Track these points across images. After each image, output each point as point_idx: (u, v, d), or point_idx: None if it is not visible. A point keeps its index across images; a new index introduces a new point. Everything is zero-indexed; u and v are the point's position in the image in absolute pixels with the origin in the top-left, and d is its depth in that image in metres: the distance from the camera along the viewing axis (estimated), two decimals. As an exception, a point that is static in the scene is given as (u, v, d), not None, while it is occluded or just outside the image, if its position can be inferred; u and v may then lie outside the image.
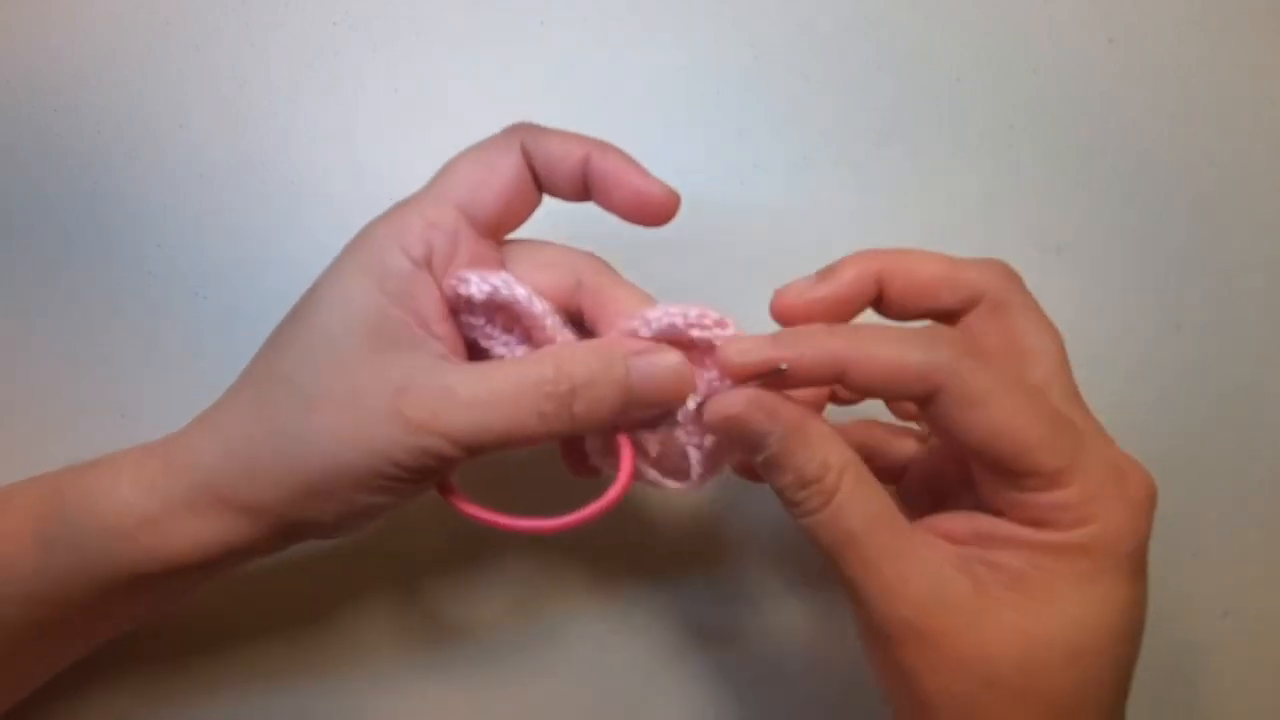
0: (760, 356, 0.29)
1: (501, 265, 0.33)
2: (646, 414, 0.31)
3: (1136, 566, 0.29)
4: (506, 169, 0.32)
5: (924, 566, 0.29)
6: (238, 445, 0.31)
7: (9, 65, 0.43)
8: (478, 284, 0.31)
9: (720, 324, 0.31)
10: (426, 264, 0.31)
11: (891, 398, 0.34)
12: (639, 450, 0.32)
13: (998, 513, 0.29)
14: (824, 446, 0.29)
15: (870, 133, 0.42)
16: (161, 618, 0.37)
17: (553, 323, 0.31)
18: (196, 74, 0.43)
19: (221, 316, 0.42)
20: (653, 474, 0.32)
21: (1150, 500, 0.29)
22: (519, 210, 0.33)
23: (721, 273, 0.41)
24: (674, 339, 0.31)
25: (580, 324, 0.33)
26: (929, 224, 0.42)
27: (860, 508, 0.29)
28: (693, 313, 0.31)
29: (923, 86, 0.42)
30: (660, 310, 0.31)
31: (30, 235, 0.42)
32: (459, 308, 0.32)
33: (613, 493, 0.31)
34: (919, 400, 0.29)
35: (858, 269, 0.31)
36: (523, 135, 0.32)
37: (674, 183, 0.40)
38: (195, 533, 0.31)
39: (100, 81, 0.43)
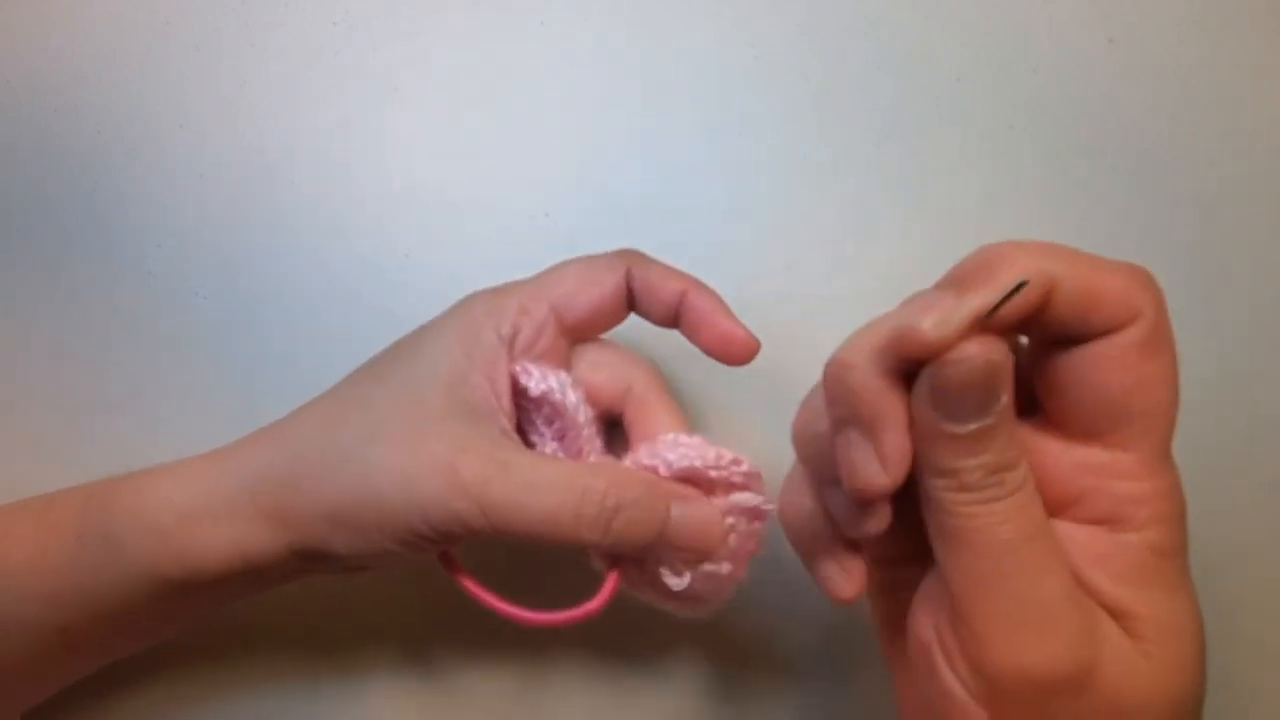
0: (966, 312, 0.24)
1: (567, 364, 0.35)
2: (672, 555, 0.33)
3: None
4: (609, 285, 0.35)
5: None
6: (293, 451, 0.33)
7: (9, 65, 0.43)
8: (537, 380, 0.33)
9: (736, 462, 0.33)
10: (510, 344, 0.34)
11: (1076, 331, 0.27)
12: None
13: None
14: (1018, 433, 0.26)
15: (870, 133, 0.42)
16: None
17: (588, 434, 0.34)
18: (196, 74, 0.43)
19: (221, 316, 0.42)
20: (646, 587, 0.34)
21: None
22: (605, 322, 0.36)
23: (721, 272, 0.41)
24: (691, 477, 0.33)
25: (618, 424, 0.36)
26: (929, 224, 0.42)
27: (1038, 510, 0.26)
28: (710, 455, 0.33)
29: (923, 86, 0.42)
30: (680, 452, 0.33)
31: (30, 235, 0.42)
32: (516, 393, 0.34)
33: (597, 601, 0.32)
34: (1093, 334, 0.25)
35: (1022, 270, 0.25)
36: (630, 260, 0.35)
37: (674, 182, 0.40)
38: (222, 536, 0.32)
39: (100, 81, 0.43)
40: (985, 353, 0.24)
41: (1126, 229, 0.42)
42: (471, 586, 0.33)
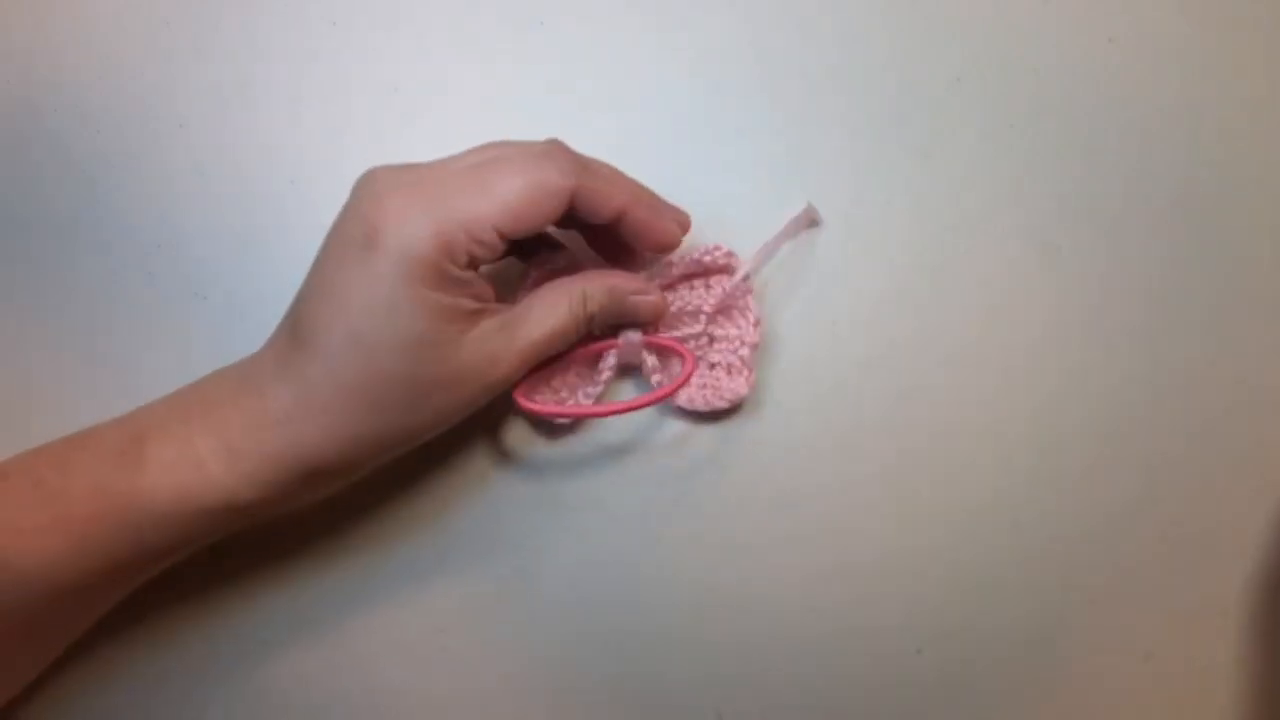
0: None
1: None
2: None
3: None
4: (558, 202, 0.34)
5: None
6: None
7: (9, 65, 0.43)
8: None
9: (715, 249, 0.39)
10: (465, 270, 0.34)
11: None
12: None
13: None
14: None
15: (870, 132, 0.42)
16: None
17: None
18: (196, 74, 0.43)
19: (221, 316, 0.42)
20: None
21: None
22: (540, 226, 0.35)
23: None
24: (691, 273, 0.40)
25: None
26: (929, 224, 0.42)
27: None
28: (697, 250, 0.39)
29: (923, 86, 0.42)
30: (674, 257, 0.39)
31: (30, 235, 0.42)
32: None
33: (677, 381, 0.37)
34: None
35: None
36: (579, 172, 0.34)
37: (674, 182, 0.40)
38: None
39: (100, 81, 0.43)
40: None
41: (1126, 229, 0.42)
42: (536, 407, 0.37)
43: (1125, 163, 0.42)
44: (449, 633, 0.40)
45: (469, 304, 0.34)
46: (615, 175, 0.37)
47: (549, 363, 0.38)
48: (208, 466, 0.33)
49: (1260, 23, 0.43)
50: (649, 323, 0.39)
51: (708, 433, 0.40)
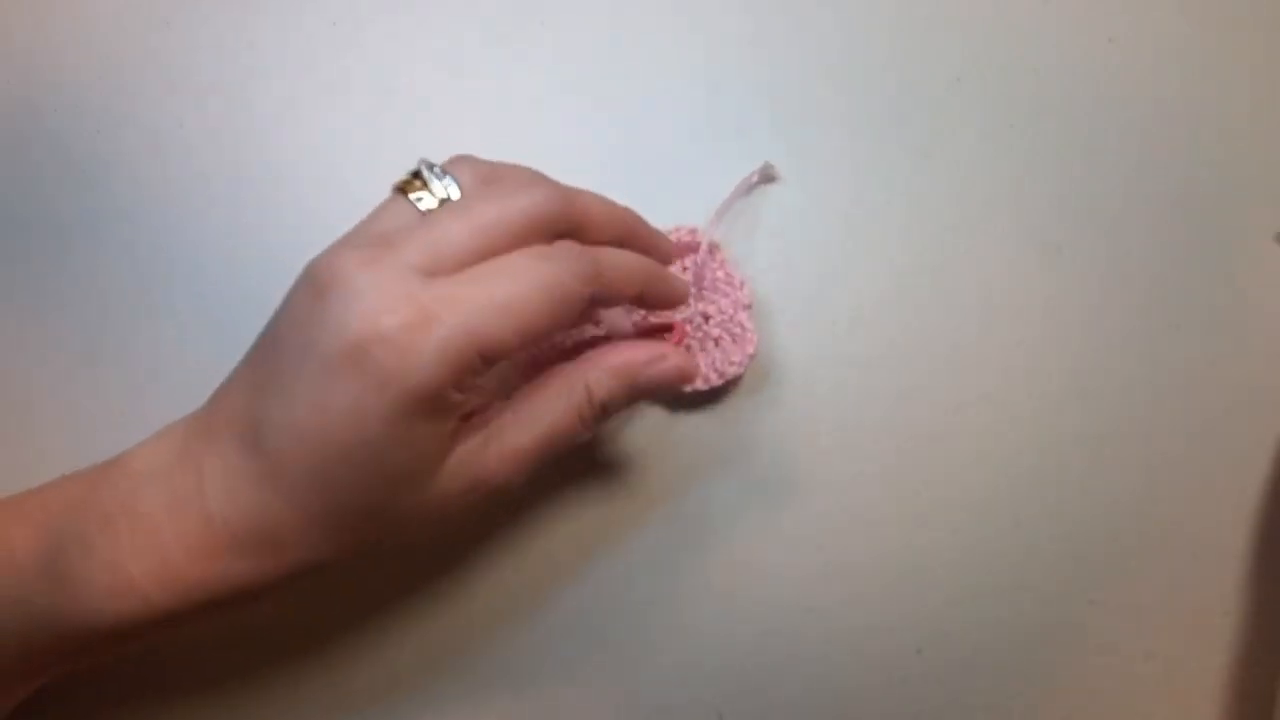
0: None
1: None
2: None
3: None
4: (577, 312, 0.30)
5: None
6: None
7: (9, 65, 0.43)
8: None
9: (685, 230, 0.40)
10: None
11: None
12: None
13: None
14: None
15: (870, 132, 0.42)
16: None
17: None
18: (196, 74, 0.43)
19: (221, 316, 0.42)
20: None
21: None
22: None
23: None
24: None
25: None
26: (929, 224, 0.42)
27: None
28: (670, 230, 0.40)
29: (923, 86, 0.42)
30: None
31: (30, 235, 0.42)
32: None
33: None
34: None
35: None
36: (594, 275, 0.30)
37: (674, 182, 0.40)
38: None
39: (100, 81, 0.43)
40: None
41: (1126, 229, 0.42)
42: None
43: (1125, 163, 0.42)
44: (448, 629, 0.40)
45: (455, 424, 0.30)
46: (625, 261, 0.32)
47: (542, 362, 0.37)
48: (141, 589, 0.29)
49: (1260, 23, 0.43)
50: (680, 385, 0.35)
51: (707, 431, 0.40)
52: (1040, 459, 0.40)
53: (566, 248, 0.30)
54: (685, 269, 0.40)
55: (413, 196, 0.31)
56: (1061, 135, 0.42)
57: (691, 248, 0.40)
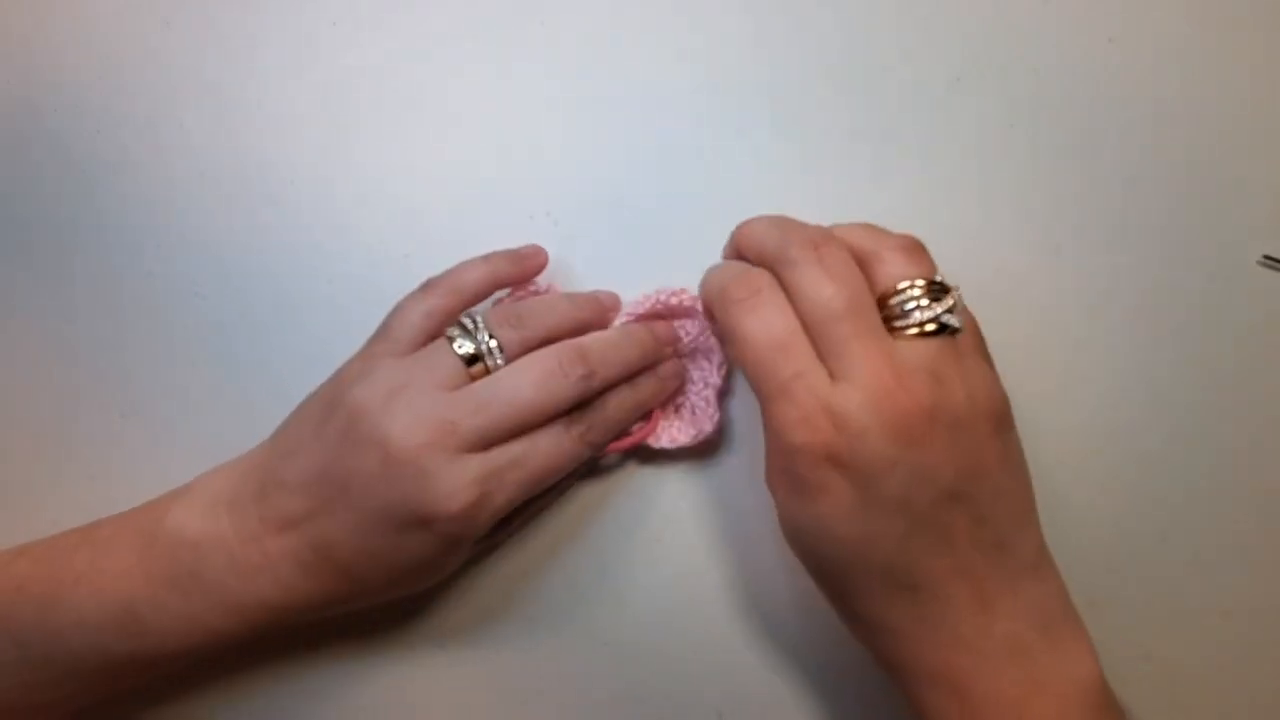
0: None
1: None
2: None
3: None
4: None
5: None
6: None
7: (9, 65, 0.44)
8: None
9: (677, 293, 0.40)
10: None
11: None
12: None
13: None
14: None
15: (870, 133, 0.42)
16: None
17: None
18: (196, 74, 0.43)
19: (221, 316, 0.42)
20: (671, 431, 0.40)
21: None
22: None
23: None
24: (656, 312, 0.40)
25: None
26: (928, 224, 0.42)
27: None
28: (664, 295, 0.40)
29: (923, 86, 0.42)
30: (640, 297, 0.40)
31: (30, 235, 0.43)
32: None
33: (644, 430, 0.39)
34: None
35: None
36: (595, 438, 0.37)
37: (673, 182, 0.40)
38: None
39: (100, 81, 0.43)
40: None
41: (1126, 229, 0.42)
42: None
43: (1125, 163, 0.42)
44: (449, 631, 0.40)
45: None
46: (623, 402, 0.38)
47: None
48: (214, 627, 0.35)
49: (1260, 23, 0.43)
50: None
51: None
52: (1039, 459, 0.40)
53: (587, 423, 0.37)
54: (686, 333, 0.40)
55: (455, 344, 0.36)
56: (1061, 135, 0.42)
57: (690, 314, 0.40)
